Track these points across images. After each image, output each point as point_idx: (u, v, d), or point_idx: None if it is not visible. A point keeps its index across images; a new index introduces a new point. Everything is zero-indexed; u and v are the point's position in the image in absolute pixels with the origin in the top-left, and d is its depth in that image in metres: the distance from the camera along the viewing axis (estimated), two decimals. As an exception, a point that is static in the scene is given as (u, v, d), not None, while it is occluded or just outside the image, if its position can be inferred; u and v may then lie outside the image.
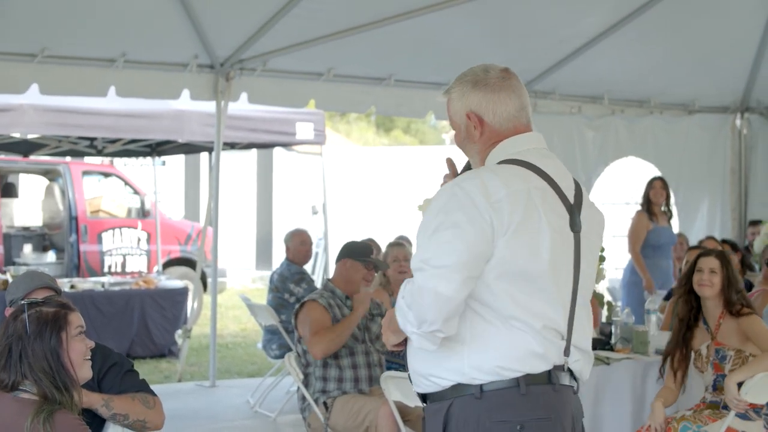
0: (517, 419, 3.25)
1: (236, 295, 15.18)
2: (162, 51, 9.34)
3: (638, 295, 10.18)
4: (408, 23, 9.08)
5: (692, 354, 6.19)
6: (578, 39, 10.30)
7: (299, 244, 9.77)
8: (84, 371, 4.05)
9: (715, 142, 12.64)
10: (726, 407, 5.95)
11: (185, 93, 9.68)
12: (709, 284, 6.16)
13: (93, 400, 4.27)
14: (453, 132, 3.52)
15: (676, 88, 11.88)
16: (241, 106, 10.90)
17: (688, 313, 6.25)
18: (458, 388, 3.29)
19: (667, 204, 10.82)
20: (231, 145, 13.41)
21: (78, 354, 3.99)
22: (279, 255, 22.43)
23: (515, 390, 3.24)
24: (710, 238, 10.15)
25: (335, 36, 9.20)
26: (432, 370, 3.34)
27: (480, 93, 3.45)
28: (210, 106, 10.36)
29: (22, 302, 4.06)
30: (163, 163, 18.30)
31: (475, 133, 3.46)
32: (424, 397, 3.47)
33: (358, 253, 6.99)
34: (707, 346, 6.12)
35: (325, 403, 6.62)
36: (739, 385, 5.74)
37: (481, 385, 3.26)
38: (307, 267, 10.74)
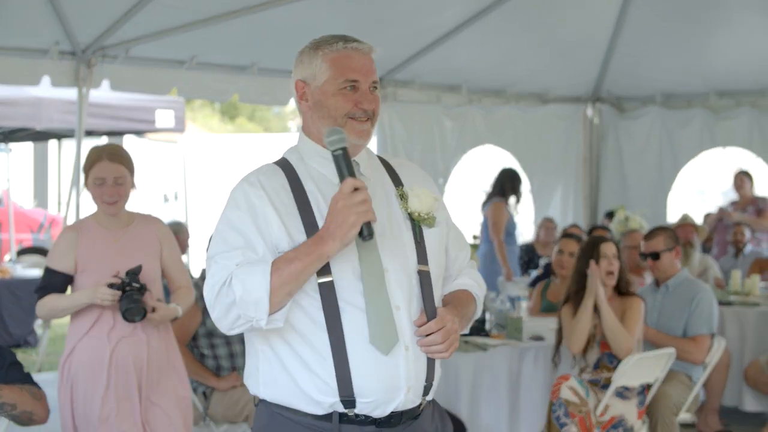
0: None
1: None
2: (22, 37, 9.11)
3: (494, 283, 10.41)
4: (272, 11, 9.08)
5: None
6: (438, 29, 10.46)
7: (179, 234, 9.84)
8: None
9: (569, 132, 12.99)
10: (605, 386, 6.26)
11: (45, 79, 9.49)
12: (612, 270, 6.46)
13: None
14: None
15: (531, 78, 12.17)
16: (102, 93, 10.74)
17: (576, 293, 6.51)
18: None
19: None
20: (88, 133, 13.18)
21: None
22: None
23: None
24: (574, 226, 10.47)
25: (199, 24, 9.12)
26: None
27: None
28: (69, 93, 10.17)
29: None
30: (10, 151, 17.86)
31: None
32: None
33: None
34: (596, 326, 6.41)
35: (204, 393, 6.62)
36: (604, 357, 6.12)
37: None
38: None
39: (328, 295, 3.14)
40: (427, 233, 3.34)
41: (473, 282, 3.53)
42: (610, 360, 6.39)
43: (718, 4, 10.07)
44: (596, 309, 6.39)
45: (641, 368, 6.35)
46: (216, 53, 10.00)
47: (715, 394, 8.23)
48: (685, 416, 7.05)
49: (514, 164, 12.42)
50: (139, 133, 15.47)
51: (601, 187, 13.13)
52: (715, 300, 7.33)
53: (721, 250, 11.51)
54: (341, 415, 3.17)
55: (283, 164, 3.36)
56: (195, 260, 12.28)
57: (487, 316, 7.19)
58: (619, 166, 13.00)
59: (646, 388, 6.52)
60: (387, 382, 3.16)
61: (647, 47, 11.40)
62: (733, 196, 12.32)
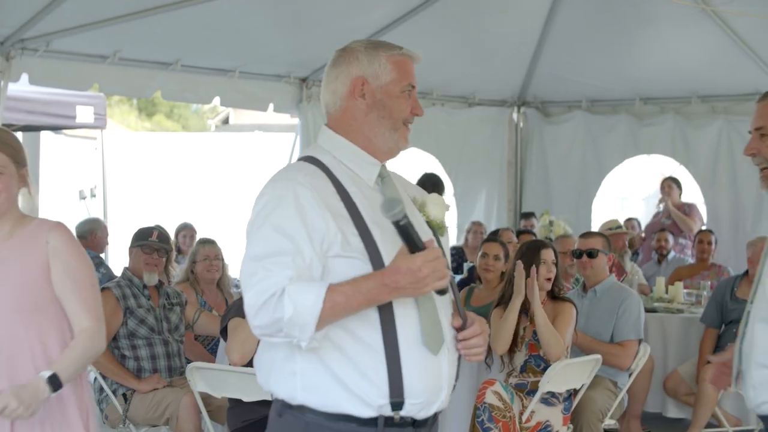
0: None
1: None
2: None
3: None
4: (197, 8, 8.96)
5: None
6: (364, 30, 10.35)
7: (98, 231, 9.72)
8: None
9: (494, 135, 13.00)
10: (532, 391, 6.23)
11: (-39, 72, 9.25)
12: (551, 276, 6.53)
13: None
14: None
15: (457, 81, 12.14)
16: (21, 87, 10.49)
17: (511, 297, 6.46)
18: None
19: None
20: (5, 126, 12.88)
21: None
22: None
23: None
24: (507, 229, 10.40)
25: (122, 18, 8.96)
26: None
27: None
28: (-13, 87, 9.91)
29: None
30: None
31: None
32: None
33: (136, 237, 6.92)
34: (524, 328, 6.39)
35: (124, 395, 6.50)
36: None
37: None
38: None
39: None
40: (442, 240, 3.38)
41: None
42: (536, 363, 6.36)
43: (643, 13, 10.12)
44: (526, 311, 6.36)
45: (568, 374, 6.34)
46: (139, 49, 9.84)
47: (638, 400, 8.25)
48: (609, 422, 7.06)
49: (437, 167, 12.38)
50: (57, 128, 15.17)
51: (525, 192, 13.17)
52: (642, 306, 7.37)
53: (645, 257, 11.59)
54: (386, 419, 3.16)
55: (320, 165, 3.28)
56: (114, 259, 12.05)
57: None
58: (543, 171, 13.04)
59: (573, 393, 6.51)
60: (434, 382, 3.20)
61: (573, 53, 11.45)
62: (656, 202, 12.42)
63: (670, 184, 12.04)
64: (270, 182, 3.26)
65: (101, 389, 6.58)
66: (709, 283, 9.48)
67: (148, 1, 8.86)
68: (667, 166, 14.00)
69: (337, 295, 3.01)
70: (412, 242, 3.05)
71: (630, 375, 7.21)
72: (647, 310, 8.41)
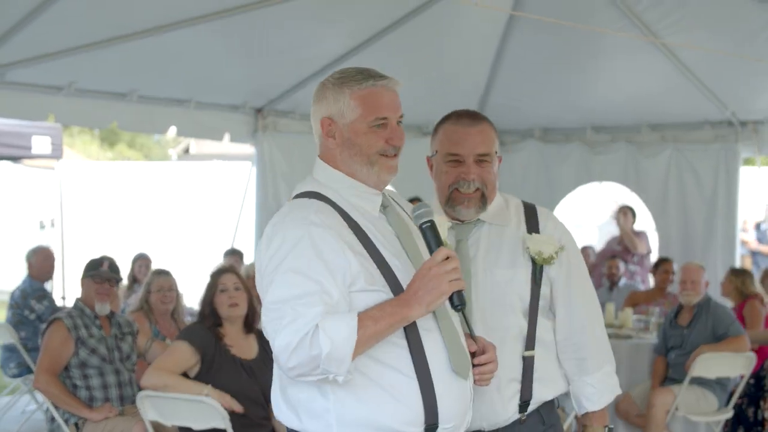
0: None
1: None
2: None
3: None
4: (152, 39, 8.99)
5: None
6: (319, 60, 10.46)
7: (42, 261, 9.60)
8: None
9: (449, 164, 13.05)
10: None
11: None
12: None
13: None
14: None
15: (411, 110, 12.06)
16: (-24, 118, 10.53)
17: None
18: None
19: None
20: (-39, 159, 12.92)
21: None
22: (4, 271, 21.63)
23: None
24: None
25: (78, 49, 8.98)
26: None
27: None
28: (-57, 118, 9.94)
29: None
30: None
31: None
32: None
33: (87, 268, 6.97)
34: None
35: (76, 424, 6.53)
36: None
37: None
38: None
39: (410, 324, 3.14)
40: None
41: None
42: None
43: (593, 43, 10.24)
44: None
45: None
46: (95, 80, 9.85)
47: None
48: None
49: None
50: (14, 159, 15.18)
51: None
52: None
53: (596, 283, 11.71)
54: None
55: (326, 200, 3.27)
56: (70, 288, 12.06)
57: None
58: (497, 199, 13.09)
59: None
60: (463, 406, 3.23)
61: (525, 82, 11.57)
62: (610, 229, 12.54)
63: (626, 211, 12.21)
64: (280, 223, 3.21)
65: (53, 419, 6.61)
66: (658, 309, 9.63)
67: (104, 32, 8.88)
68: (619, 193, 14.17)
69: (366, 321, 3.03)
70: (431, 247, 3.15)
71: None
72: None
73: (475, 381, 3.32)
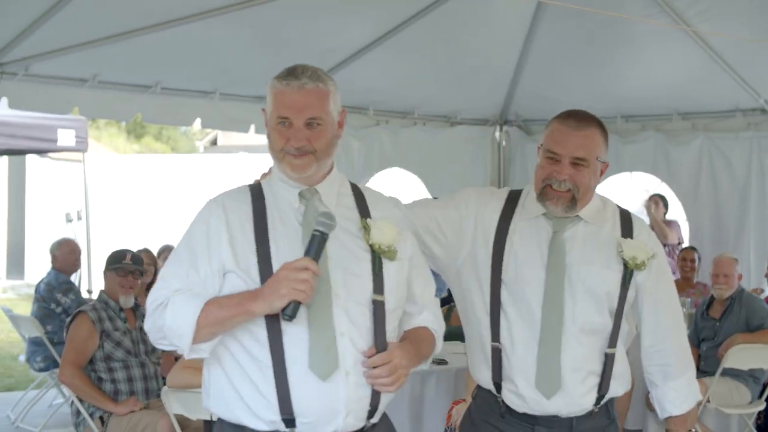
0: None
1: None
2: None
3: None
4: (176, 30, 8.95)
5: None
6: (345, 50, 10.40)
7: (67, 254, 9.58)
8: None
9: (476, 154, 12.98)
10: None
11: (-60, 97, 9.23)
12: None
13: None
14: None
15: (438, 100, 12.13)
16: (1, 111, 10.49)
17: None
18: None
19: None
20: (-14, 152, 12.92)
21: None
22: (32, 264, 21.72)
23: None
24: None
25: (101, 42, 8.96)
26: None
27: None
28: (-34, 111, 9.92)
29: None
30: None
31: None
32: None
33: (110, 261, 6.95)
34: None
35: (101, 418, 6.49)
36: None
37: None
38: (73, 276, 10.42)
39: (272, 316, 3.18)
40: (387, 266, 3.38)
41: (434, 318, 3.61)
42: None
43: (622, 31, 10.13)
44: None
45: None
46: (119, 72, 9.81)
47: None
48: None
49: (420, 187, 12.38)
50: (39, 152, 15.20)
51: (507, 211, 13.10)
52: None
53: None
54: None
55: (255, 188, 3.47)
56: (96, 281, 12.05)
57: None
58: (527, 189, 13.01)
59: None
60: (326, 405, 3.22)
61: (554, 71, 11.45)
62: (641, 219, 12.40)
63: (657, 200, 12.10)
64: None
65: (78, 412, 6.58)
66: (689, 300, 9.50)
67: (127, 24, 8.85)
68: (650, 183, 14.02)
69: (212, 306, 3.17)
70: (306, 252, 3.16)
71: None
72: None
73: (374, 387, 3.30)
